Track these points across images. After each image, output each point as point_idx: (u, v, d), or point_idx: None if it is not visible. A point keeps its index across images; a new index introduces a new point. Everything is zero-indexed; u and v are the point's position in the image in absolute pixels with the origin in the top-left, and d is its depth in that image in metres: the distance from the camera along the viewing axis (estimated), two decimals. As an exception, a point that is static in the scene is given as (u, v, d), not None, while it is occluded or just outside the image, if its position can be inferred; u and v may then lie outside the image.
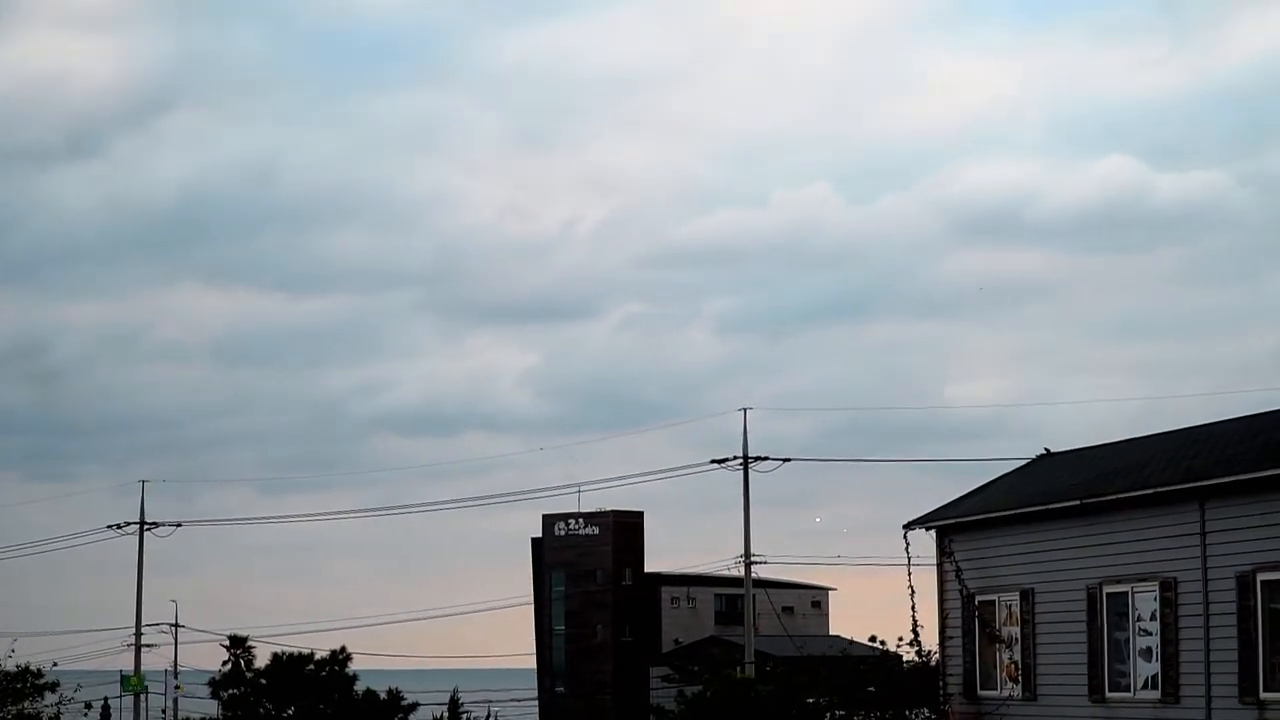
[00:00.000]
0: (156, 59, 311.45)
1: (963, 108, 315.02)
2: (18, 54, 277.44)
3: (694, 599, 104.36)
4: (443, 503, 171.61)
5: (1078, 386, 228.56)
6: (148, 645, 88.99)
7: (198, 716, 63.49)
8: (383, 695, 59.39)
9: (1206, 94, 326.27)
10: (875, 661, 47.63)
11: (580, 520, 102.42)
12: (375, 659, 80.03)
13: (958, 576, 38.16)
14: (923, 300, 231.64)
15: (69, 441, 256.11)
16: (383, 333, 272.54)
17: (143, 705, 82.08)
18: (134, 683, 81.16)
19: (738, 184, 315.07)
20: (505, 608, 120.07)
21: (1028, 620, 36.03)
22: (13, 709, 51.89)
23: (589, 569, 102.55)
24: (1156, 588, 32.15)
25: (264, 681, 59.05)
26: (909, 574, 39.79)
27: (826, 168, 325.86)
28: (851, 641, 70.81)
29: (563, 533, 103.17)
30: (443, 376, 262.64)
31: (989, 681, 37.42)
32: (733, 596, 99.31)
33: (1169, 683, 31.78)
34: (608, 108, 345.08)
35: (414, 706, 60.71)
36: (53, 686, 52.83)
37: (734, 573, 79.66)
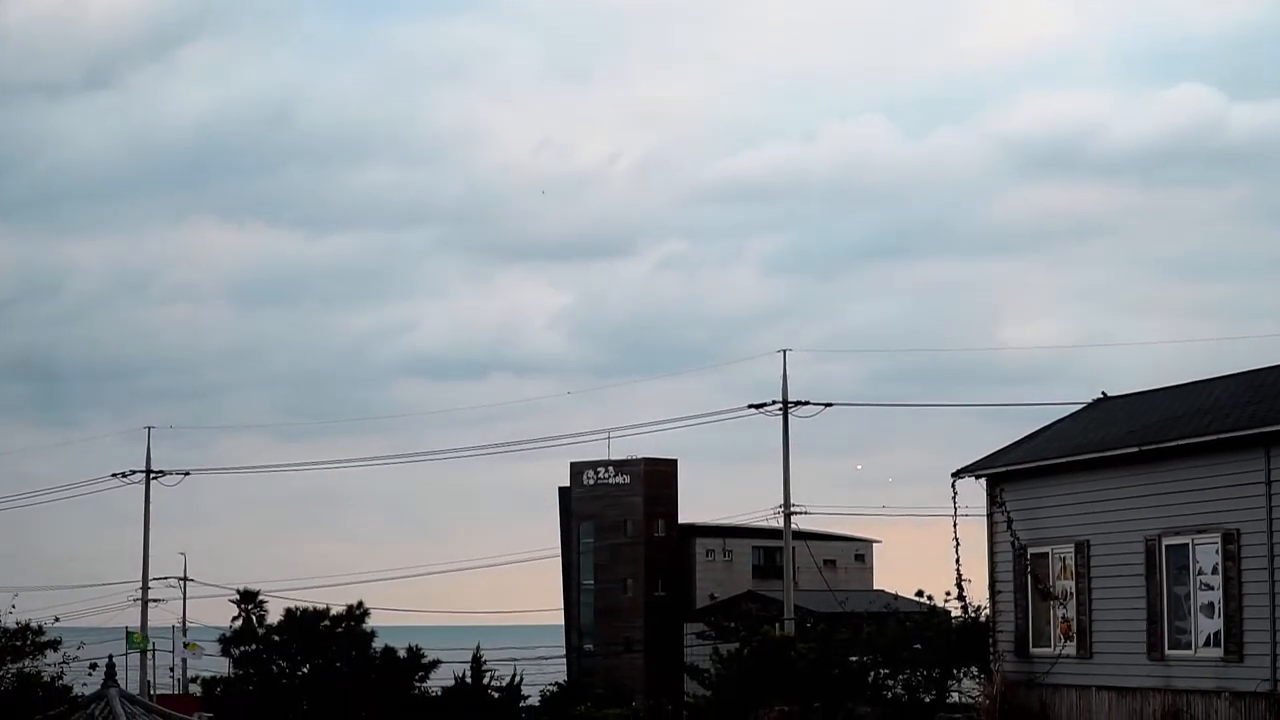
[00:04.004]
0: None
1: (1023, 36, 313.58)
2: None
3: (730, 552, 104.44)
4: (466, 449, 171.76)
5: (1141, 328, 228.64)
6: (155, 600, 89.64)
7: (207, 675, 63.80)
8: (402, 653, 59.67)
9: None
10: (922, 618, 47.82)
11: (610, 468, 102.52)
12: (394, 615, 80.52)
13: (1009, 528, 38.29)
14: (978, 238, 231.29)
15: (75, 386, 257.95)
16: (407, 272, 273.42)
17: (149, 663, 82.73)
18: (138, 640, 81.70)
19: (785, 118, 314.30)
20: (531, 561, 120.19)
21: (1083, 574, 36.18)
22: (13, 667, 52.22)
23: (619, 520, 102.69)
24: (1219, 539, 32.27)
25: (277, 638, 59.33)
26: (954, 525, 40.01)
27: (879, 101, 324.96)
28: (897, 596, 71.23)
29: (591, 482, 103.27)
30: (470, 318, 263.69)
31: (1042, 639, 37.60)
32: (771, 549, 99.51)
33: (1232, 640, 31.95)
34: (650, 38, 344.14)
35: (435, 664, 60.95)
36: (54, 644, 53.13)
37: (773, 524, 79.93)
